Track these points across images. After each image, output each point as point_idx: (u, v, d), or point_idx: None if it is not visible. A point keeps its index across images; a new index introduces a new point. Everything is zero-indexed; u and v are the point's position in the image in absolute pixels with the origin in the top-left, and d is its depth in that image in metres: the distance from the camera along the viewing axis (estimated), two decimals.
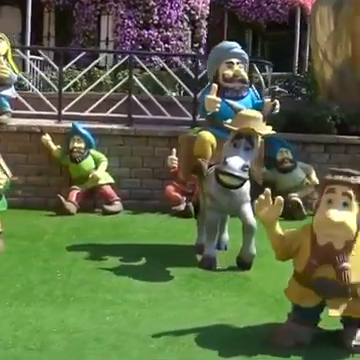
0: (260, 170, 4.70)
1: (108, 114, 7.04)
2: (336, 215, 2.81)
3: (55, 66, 7.53)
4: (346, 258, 2.85)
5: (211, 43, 9.83)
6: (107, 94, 7.26)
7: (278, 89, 5.01)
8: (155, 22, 11.30)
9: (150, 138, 6.60)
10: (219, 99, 4.24)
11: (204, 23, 12.45)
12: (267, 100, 4.58)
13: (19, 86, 8.09)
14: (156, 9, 11.28)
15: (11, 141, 6.34)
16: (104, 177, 6.26)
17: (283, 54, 13.41)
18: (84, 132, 6.31)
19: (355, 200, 2.89)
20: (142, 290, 3.74)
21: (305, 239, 2.97)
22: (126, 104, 6.99)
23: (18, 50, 8.05)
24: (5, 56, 6.34)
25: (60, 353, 2.80)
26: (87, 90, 7.34)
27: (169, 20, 11.34)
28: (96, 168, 6.28)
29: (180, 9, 11.50)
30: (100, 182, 6.20)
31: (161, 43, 11.22)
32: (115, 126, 6.68)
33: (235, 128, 3.96)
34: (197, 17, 12.15)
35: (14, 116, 6.63)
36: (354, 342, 2.96)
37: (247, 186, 4.25)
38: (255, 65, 7.59)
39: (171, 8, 11.30)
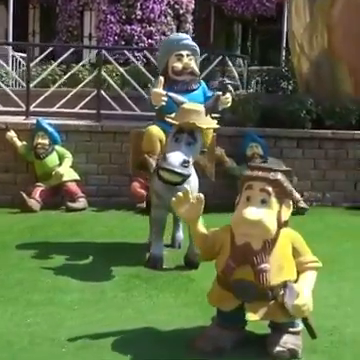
0: (213, 166, 4.55)
1: (77, 110, 6.92)
2: (251, 213, 2.62)
3: (23, 62, 7.44)
4: (265, 259, 2.65)
5: (198, 38, 9.67)
6: (75, 90, 7.14)
7: (227, 82, 4.82)
8: (138, 17, 11.13)
9: (117, 134, 6.46)
10: (165, 92, 4.10)
11: (189, 17, 12.24)
12: (218, 93, 4.41)
13: None
14: (139, 4, 11.12)
15: None
16: (68, 174, 6.14)
17: (274, 48, 13.26)
18: (48, 128, 6.19)
19: (275, 197, 2.72)
20: (77, 290, 3.61)
21: (226, 239, 2.77)
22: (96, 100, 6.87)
23: None
24: None
25: None
26: (55, 86, 7.25)
27: (152, 15, 11.18)
28: (61, 164, 6.17)
29: (164, 3, 11.32)
30: (64, 179, 6.08)
31: (144, 38, 11.04)
32: (82, 122, 6.55)
33: (176, 122, 3.82)
34: (182, 11, 11.94)
35: None
36: (277, 348, 2.74)
37: (195, 183, 4.10)
38: (228, 59, 7.42)
39: (154, 3, 11.13)
